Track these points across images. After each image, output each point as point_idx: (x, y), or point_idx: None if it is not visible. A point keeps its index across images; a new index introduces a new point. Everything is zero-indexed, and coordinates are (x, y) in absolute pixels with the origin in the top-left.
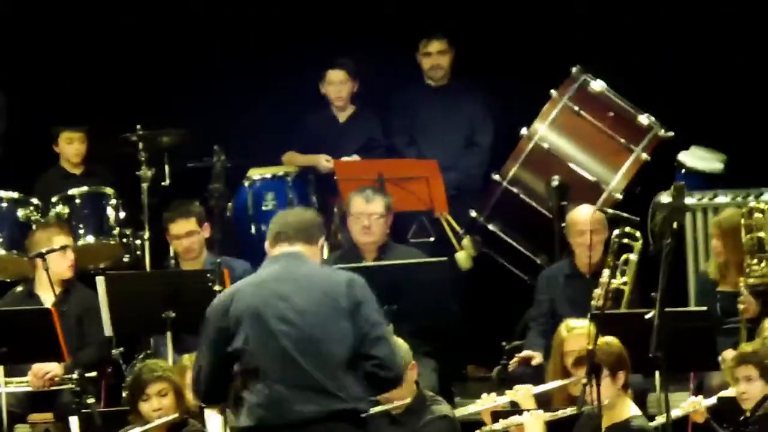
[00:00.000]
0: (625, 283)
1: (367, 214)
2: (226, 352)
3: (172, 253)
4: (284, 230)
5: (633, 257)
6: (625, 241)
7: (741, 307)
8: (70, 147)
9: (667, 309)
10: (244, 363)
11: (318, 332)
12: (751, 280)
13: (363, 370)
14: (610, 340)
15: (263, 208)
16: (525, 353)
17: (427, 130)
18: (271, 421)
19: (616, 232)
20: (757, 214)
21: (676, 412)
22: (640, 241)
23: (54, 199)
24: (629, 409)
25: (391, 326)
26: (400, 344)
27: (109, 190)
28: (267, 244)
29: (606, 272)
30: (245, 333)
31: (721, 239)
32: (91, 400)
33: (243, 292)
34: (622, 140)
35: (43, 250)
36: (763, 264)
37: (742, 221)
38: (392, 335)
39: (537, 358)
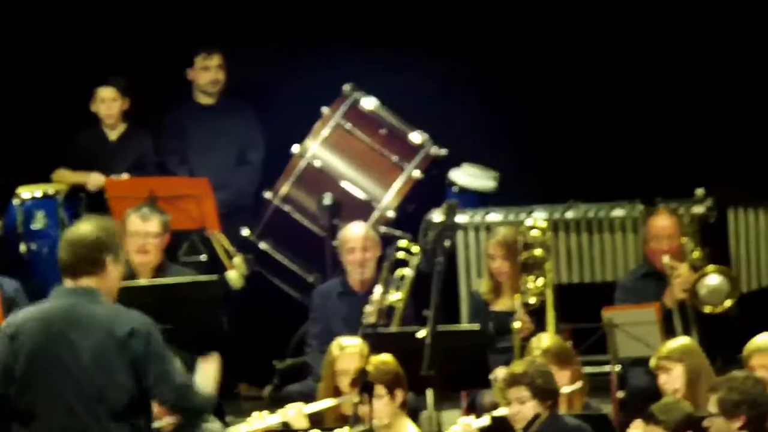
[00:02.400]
0: (399, 299)
1: (143, 233)
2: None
3: None
4: (65, 262)
5: (409, 272)
6: (402, 255)
7: (517, 325)
8: None
9: (439, 327)
10: (16, 404)
11: (95, 384)
12: (526, 299)
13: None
14: (387, 358)
15: (32, 227)
16: None
17: (198, 149)
18: None
19: (396, 245)
20: (533, 232)
21: None
22: (418, 256)
23: None
24: (407, 428)
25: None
26: None
27: None
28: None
29: (378, 288)
30: (21, 372)
31: (508, 259)
32: None
33: (27, 328)
34: (394, 158)
35: None
36: (539, 281)
37: (519, 239)
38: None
39: None
